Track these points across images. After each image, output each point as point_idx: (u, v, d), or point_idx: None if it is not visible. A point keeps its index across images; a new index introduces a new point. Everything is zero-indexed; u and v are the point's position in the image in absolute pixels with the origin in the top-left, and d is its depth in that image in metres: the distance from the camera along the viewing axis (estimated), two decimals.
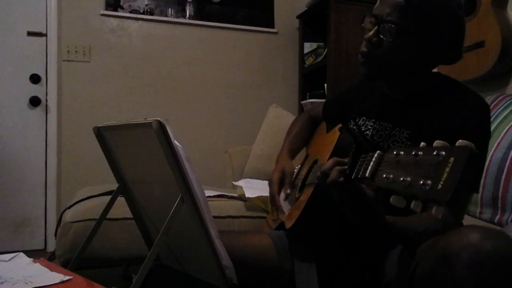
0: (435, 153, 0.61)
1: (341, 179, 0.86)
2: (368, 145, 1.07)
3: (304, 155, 1.39)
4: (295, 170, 1.32)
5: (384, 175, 0.68)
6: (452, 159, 0.58)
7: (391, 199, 0.66)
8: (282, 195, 1.37)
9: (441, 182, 0.58)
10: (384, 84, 1.15)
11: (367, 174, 0.75)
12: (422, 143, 0.66)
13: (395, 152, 0.69)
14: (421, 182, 0.60)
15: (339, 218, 1.09)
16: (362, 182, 0.83)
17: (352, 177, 0.83)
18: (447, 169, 0.58)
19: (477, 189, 1.02)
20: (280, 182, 1.26)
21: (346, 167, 0.85)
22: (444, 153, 0.60)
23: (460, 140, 0.60)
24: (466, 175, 0.57)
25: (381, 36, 1.02)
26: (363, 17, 1.08)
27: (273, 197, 1.26)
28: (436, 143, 0.63)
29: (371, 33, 1.04)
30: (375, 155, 0.75)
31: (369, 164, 0.76)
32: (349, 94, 1.31)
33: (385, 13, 1.02)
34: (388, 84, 1.14)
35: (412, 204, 0.62)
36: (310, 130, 1.41)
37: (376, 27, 1.03)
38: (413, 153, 0.64)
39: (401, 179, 0.64)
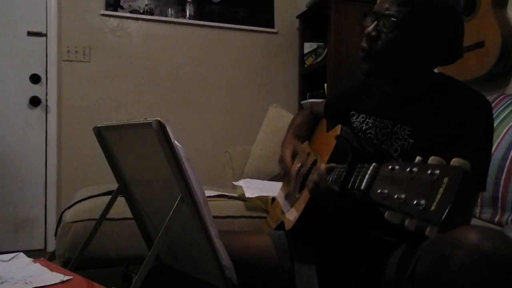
0: (429, 171, 0.60)
1: (335, 187, 0.87)
2: (365, 152, 1.08)
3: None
4: (297, 165, 1.31)
5: (379, 190, 0.68)
6: (446, 179, 0.58)
7: (386, 215, 0.65)
8: (282, 194, 1.36)
9: (435, 204, 0.58)
10: (385, 82, 1.16)
11: (362, 187, 0.76)
12: (418, 158, 0.65)
13: (390, 167, 0.69)
14: (415, 201, 0.60)
15: (339, 220, 1.10)
16: (357, 193, 0.84)
17: (348, 187, 0.84)
18: (441, 190, 0.58)
19: (483, 188, 1.02)
20: (293, 157, 1.24)
21: (334, 174, 0.87)
22: (438, 172, 0.59)
23: (455, 159, 0.60)
24: (460, 197, 0.56)
25: (380, 30, 1.04)
26: (364, 16, 1.10)
27: (286, 170, 1.22)
28: (431, 159, 0.62)
29: (370, 28, 1.06)
30: (371, 167, 0.76)
31: (364, 177, 0.76)
32: (350, 92, 1.31)
33: (384, 8, 1.04)
34: (389, 82, 1.14)
35: (406, 222, 0.62)
36: (312, 123, 1.41)
37: (375, 22, 1.05)
38: (408, 169, 0.64)
39: (396, 196, 0.64)
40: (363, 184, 0.76)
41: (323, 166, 0.94)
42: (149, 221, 1.15)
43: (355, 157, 0.85)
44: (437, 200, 0.58)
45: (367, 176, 0.75)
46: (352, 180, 0.83)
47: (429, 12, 1.01)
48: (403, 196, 0.63)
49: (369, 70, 1.08)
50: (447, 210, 0.56)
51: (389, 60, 1.06)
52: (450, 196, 0.57)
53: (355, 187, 0.80)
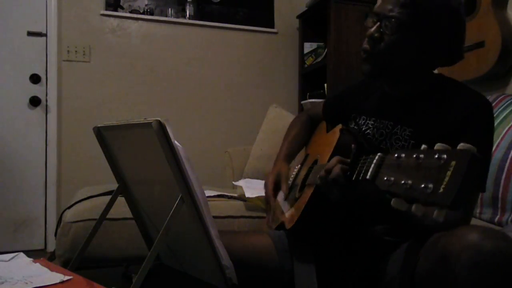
0: (436, 156, 0.60)
1: (341, 177, 0.87)
2: (369, 146, 1.07)
3: (303, 154, 1.39)
4: (294, 171, 1.32)
5: (385, 178, 0.68)
6: (453, 162, 0.58)
7: (392, 202, 0.65)
8: (282, 195, 1.36)
9: (443, 186, 0.57)
10: (386, 83, 1.16)
11: (368, 177, 0.76)
12: (424, 146, 0.65)
13: (396, 155, 0.68)
14: (423, 185, 0.60)
15: (339, 219, 1.10)
16: (363, 184, 0.83)
17: (353, 178, 0.83)
18: (449, 173, 0.57)
19: (483, 188, 1.02)
20: (275, 184, 1.27)
21: (347, 167, 0.86)
22: (445, 156, 0.59)
23: (461, 144, 0.59)
24: (468, 179, 0.56)
25: (382, 31, 1.04)
26: (366, 17, 1.09)
27: (268, 198, 1.26)
28: (438, 146, 0.62)
29: (372, 29, 1.05)
30: (376, 157, 0.76)
31: (370, 166, 0.76)
32: (349, 93, 1.31)
33: (387, 9, 1.03)
34: (389, 83, 1.14)
35: (413, 208, 0.61)
36: (309, 131, 1.41)
37: (378, 23, 1.05)
38: (414, 156, 0.64)
39: (402, 182, 0.63)
40: (369, 173, 0.76)
41: (333, 160, 0.93)
42: (149, 221, 1.14)
43: (360, 149, 0.84)
44: (445, 182, 0.57)
45: (372, 165, 0.75)
46: (357, 171, 0.83)
47: (432, 14, 1.01)
48: (410, 181, 0.63)
49: (371, 71, 1.08)
50: (455, 192, 0.56)
51: (391, 61, 1.06)
52: (458, 178, 0.56)
53: (361, 177, 0.80)
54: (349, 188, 0.90)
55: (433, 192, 0.59)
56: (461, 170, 0.57)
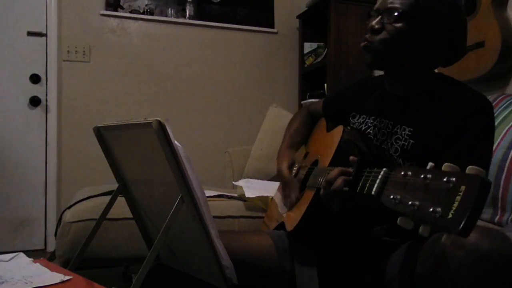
0: (445, 179, 0.59)
1: (346, 189, 0.86)
2: (370, 151, 1.07)
3: (303, 151, 1.39)
4: (294, 169, 1.32)
5: (392, 196, 0.67)
6: (463, 187, 0.57)
7: (398, 221, 0.65)
8: (279, 195, 1.36)
9: (452, 212, 0.57)
10: (386, 80, 1.16)
11: (373, 192, 0.75)
12: (430, 164, 0.64)
13: (402, 173, 0.68)
14: (431, 209, 0.59)
15: (340, 222, 1.09)
16: (367, 198, 0.82)
17: (357, 191, 0.83)
18: (458, 198, 0.57)
19: None
20: (290, 168, 1.26)
21: (351, 177, 0.86)
22: (454, 179, 0.58)
23: (470, 167, 0.59)
24: (477, 205, 0.55)
25: (383, 22, 1.05)
26: (368, 15, 1.10)
27: (288, 182, 1.23)
28: (445, 166, 0.61)
29: (374, 22, 1.06)
30: (381, 172, 0.75)
31: (374, 181, 0.75)
32: (349, 92, 1.31)
33: (387, 2, 1.05)
34: (389, 80, 1.14)
35: (421, 229, 0.61)
36: (309, 125, 1.41)
37: (380, 16, 1.06)
38: (422, 176, 0.63)
39: (409, 202, 0.63)
40: (374, 189, 0.75)
41: (335, 171, 0.93)
42: (149, 221, 1.15)
43: (363, 161, 0.84)
44: (454, 208, 0.57)
45: (377, 181, 0.75)
46: (361, 184, 0.82)
47: (432, 6, 1.03)
48: (417, 203, 0.62)
49: (372, 61, 1.08)
50: (465, 219, 0.55)
51: (392, 51, 1.06)
52: (467, 204, 0.56)
53: (365, 191, 0.79)
54: (351, 200, 0.90)
55: (441, 216, 0.58)
56: (471, 197, 0.56)
